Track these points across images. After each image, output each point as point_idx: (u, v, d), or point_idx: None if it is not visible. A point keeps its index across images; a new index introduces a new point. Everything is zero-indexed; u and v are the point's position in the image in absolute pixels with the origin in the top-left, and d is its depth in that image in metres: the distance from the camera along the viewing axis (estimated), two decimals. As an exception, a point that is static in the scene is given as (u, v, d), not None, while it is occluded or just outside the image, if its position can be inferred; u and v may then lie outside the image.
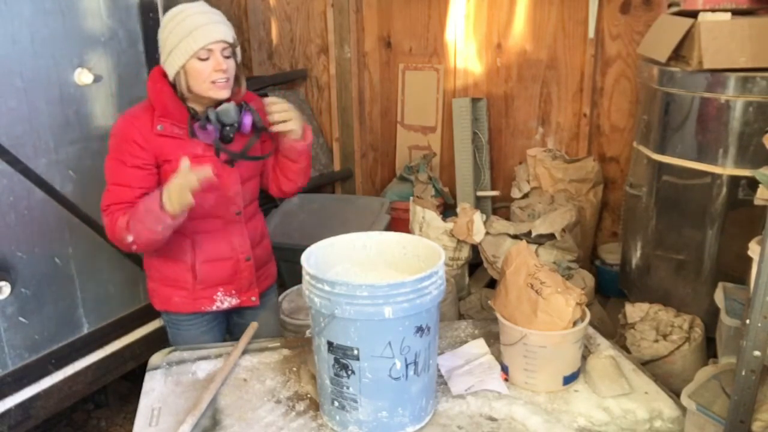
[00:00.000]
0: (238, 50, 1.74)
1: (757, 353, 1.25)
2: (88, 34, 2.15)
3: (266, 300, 2.05)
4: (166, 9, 2.36)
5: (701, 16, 2.20)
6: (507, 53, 3.62)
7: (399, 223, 3.47)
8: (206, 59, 1.65)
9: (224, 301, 1.91)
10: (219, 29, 1.65)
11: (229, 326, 2.06)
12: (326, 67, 3.95)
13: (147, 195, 1.71)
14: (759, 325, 1.23)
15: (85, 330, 2.28)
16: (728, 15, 2.18)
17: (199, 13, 1.66)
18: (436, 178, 3.84)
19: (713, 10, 2.21)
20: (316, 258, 1.51)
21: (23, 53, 1.97)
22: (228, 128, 1.74)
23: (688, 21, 2.23)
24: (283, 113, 1.77)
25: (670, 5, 2.64)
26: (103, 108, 2.23)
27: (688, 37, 2.24)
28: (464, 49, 3.75)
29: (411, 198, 3.40)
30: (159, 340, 2.49)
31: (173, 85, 1.72)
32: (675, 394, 1.56)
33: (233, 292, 1.92)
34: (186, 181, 1.57)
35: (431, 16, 3.81)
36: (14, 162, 1.98)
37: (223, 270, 1.89)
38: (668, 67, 2.33)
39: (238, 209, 1.87)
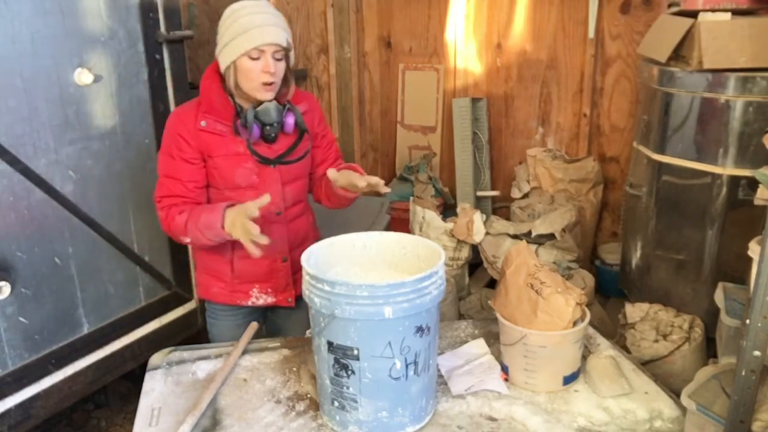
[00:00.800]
0: (292, 54, 1.75)
1: (757, 353, 1.25)
2: (88, 34, 2.15)
3: (304, 303, 2.04)
4: (166, 9, 2.37)
5: (701, 16, 2.20)
6: (507, 53, 3.62)
7: (399, 223, 3.47)
8: (257, 59, 1.67)
9: (260, 298, 1.94)
10: (273, 32, 1.67)
11: (266, 323, 2.08)
12: (326, 67, 3.94)
13: (203, 195, 1.81)
14: (759, 325, 1.23)
15: (85, 330, 2.28)
16: (728, 15, 2.18)
17: (258, 13, 1.68)
18: (436, 178, 3.84)
19: (713, 10, 2.21)
20: (316, 258, 1.51)
21: (23, 53, 1.97)
22: (269, 128, 1.76)
23: (688, 21, 2.23)
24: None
25: (670, 5, 2.64)
26: (103, 108, 2.23)
27: (688, 37, 2.24)
28: (464, 49, 3.76)
29: (411, 198, 3.40)
30: (159, 340, 2.50)
31: (224, 80, 1.75)
32: (675, 394, 1.56)
33: (269, 290, 1.94)
34: (246, 227, 1.62)
35: (431, 16, 3.81)
36: (14, 162, 1.97)
37: (259, 267, 1.90)
38: (668, 67, 2.33)
39: (277, 209, 1.86)
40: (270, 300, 1.95)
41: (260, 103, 1.75)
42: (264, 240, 1.62)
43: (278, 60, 1.70)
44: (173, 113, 1.82)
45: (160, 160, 1.81)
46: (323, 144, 1.98)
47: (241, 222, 1.64)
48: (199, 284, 2.01)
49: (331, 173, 1.77)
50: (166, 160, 1.79)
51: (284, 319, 2.05)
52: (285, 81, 1.78)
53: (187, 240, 1.78)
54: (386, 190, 1.73)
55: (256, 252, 1.64)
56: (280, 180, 1.85)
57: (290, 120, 1.79)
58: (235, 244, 1.86)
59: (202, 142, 1.76)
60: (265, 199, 1.64)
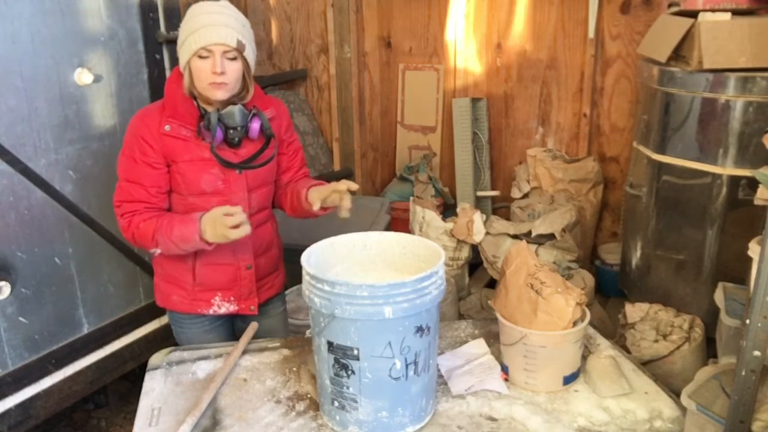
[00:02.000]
0: (248, 53, 1.72)
1: (757, 353, 1.25)
2: (88, 34, 2.15)
3: (268, 309, 2.03)
4: (166, 9, 2.37)
5: (701, 16, 2.20)
6: (507, 53, 3.62)
7: (399, 223, 3.47)
8: (206, 58, 1.66)
9: (222, 306, 1.90)
10: (221, 32, 1.64)
11: (234, 331, 2.04)
12: (326, 67, 3.95)
13: (165, 200, 1.77)
14: (759, 325, 1.23)
15: (85, 330, 2.28)
16: (728, 15, 2.18)
17: (210, 13, 1.66)
18: (436, 178, 3.84)
19: (713, 10, 2.21)
20: (316, 258, 1.51)
21: (23, 53, 1.97)
22: (232, 131, 1.73)
23: (688, 21, 2.23)
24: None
25: (670, 5, 2.64)
26: (103, 108, 2.23)
27: (688, 37, 2.24)
28: (464, 49, 3.76)
29: (411, 198, 3.40)
30: (159, 340, 2.50)
31: None
32: (675, 394, 1.56)
33: (231, 298, 1.91)
34: (221, 230, 1.62)
35: (431, 16, 3.81)
36: (14, 162, 1.98)
37: (223, 275, 1.88)
38: (668, 67, 2.33)
39: None
40: (232, 308, 1.91)
41: (225, 106, 1.73)
42: (246, 229, 1.63)
43: (231, 60, 1.68)
44: (137, 115, 1.77)
45: (120, 163, 1.76)
46: (289, 152, 1.94)
47: (221, 227, 1.62)
48: (157, 292, 1.95)
49: (316, 204, 1.77)
50: (128, 163, 1.74)
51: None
52: (244, 83, 1.75)
53: (157, 252, 1.75)
54: (355, 186, 1.74)
55: (247, 231, 1.64)
56: (246, 186, 1.82)
57: (255, 125, 1.75)
58: (197, 251, 1.82)
59: (166, 146, 1.73)
60: (236, 209, 1.63)
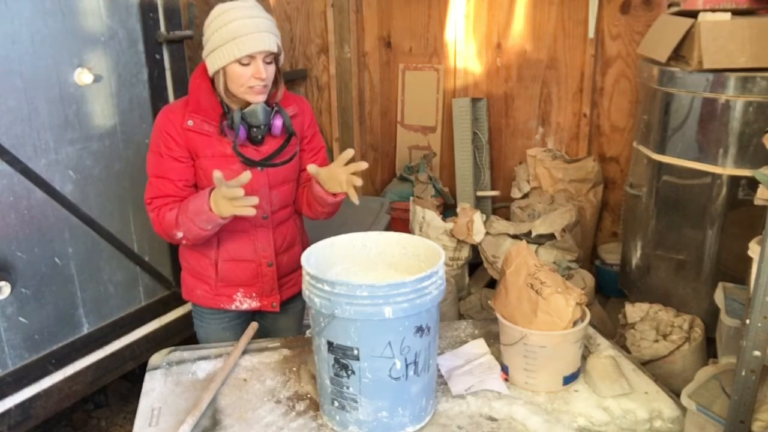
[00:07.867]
0: (281, 56, 1.74)
1: (757, 353, 1.25)
2: (88, 34, 2.15)
3: (289, 308, 2.04)
4: (166, 9, 2.37)
5: (701, 16, 2.20)
6: (507, 53, 3.62)
7: (399, 223, 3.47)
8: (247, 65, 1.66)
9: (243, 302, 1.92)
10: (266, 39, 1.64)
11: None
12: (326, 67, 3.95)
13: (194, 193, 1.76)
14: (759, 325, 1.23)
15: (85, 330, 2.28)
16: (728, 15, 2.18)
17: (249, 17, 1.64)
18: (436, 178, 3.84)
19: (713, 10, 2.21)
20: (316, 258, 1.51)
21: (23, 53, 1.97)
22: (255, 129, 1.74)
23: (688, 21, 2.24)
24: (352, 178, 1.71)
25: (670, 5, 2.64)
26: (102, 108, 2.23)
27: (688, 37, 2.24)
28: (464, 49, 3.76)
29: (411, 198, 3.40)
30: (159, 340, 2.50)
31: (213, 81, 1.73)
32: (675, 394, 1.56)
33: (253, 294, 1.92)
34: (227, 194, 1.58)
35: (431, 16, 3.81)
36: (14, 162, 1.98)
37: (244, 271, 1.89)
38: (668, 67, 2.33)
39: (264, 213, 1.84)
40: (254, 305, 1.93)
41: (248, 104, 1.73)
42: (252, 200, 1.58)
43: (268, 64, 1.69)
44: (161, 112, 1.79)
45: (149, 160, 1.79)
46: (310, 149, 1.94)
47: (222, 193, 1.59)
48: (184, 286, 1.97)
49: (312, 168, 1.72)
50: (155, 159, 1.77)
51: (271, 323, 2.03)
52: (275, 82, 1.77)
53: (180, 235, 1.73)
54: (365, 165, 1.69)
55: (251, 211, 1.59)
56: (268, 183, 1.82)
57: (278, 122, 1.77)
58: (220, 246, 1.85)
59: (190, 141, 1.75)
60: (246, 177, 1.58)
